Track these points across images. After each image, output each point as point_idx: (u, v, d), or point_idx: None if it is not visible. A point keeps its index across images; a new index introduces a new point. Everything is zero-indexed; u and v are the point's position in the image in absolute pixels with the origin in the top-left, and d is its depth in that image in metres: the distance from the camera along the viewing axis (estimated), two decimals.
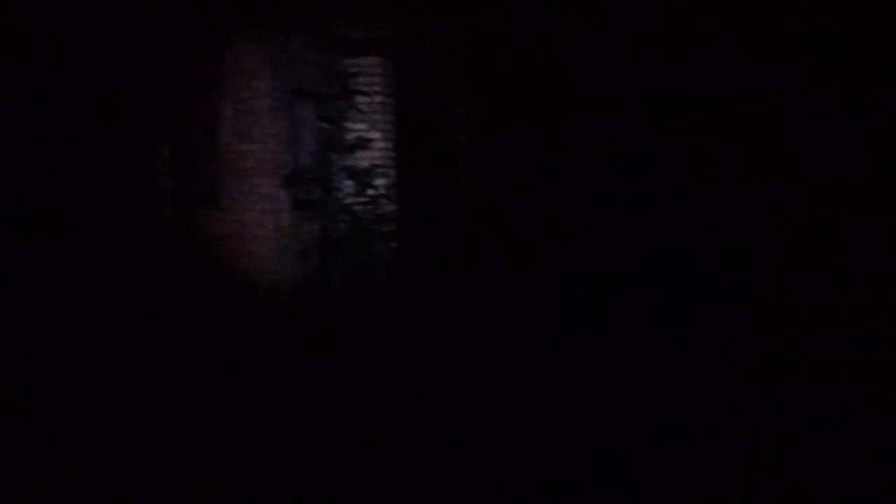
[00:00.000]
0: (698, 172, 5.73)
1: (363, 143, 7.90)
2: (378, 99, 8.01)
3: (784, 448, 3.54)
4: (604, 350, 5.36)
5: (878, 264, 4.61)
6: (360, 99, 7.91)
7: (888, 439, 3.64)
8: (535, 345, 5.51)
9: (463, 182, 9.03)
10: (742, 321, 5.35)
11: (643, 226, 6.20)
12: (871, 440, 3.63)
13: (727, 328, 5.40)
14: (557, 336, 5.75)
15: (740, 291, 5.44)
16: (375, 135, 8.02)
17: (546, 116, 7.08)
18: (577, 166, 6.82)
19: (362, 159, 7.96)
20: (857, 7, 4.72)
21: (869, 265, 4.66)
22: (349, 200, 7.81)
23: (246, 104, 6.83)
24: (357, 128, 7.98)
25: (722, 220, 5.63)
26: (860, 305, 4.70)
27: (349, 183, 7.85)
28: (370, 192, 7.81)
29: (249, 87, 6.82)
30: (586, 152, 6.70)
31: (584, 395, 4.31)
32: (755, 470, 3.27)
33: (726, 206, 5.58)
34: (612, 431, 3.71)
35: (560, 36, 6.51)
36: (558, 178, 7.05)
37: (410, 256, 8.17)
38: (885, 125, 4.61)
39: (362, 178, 7.80)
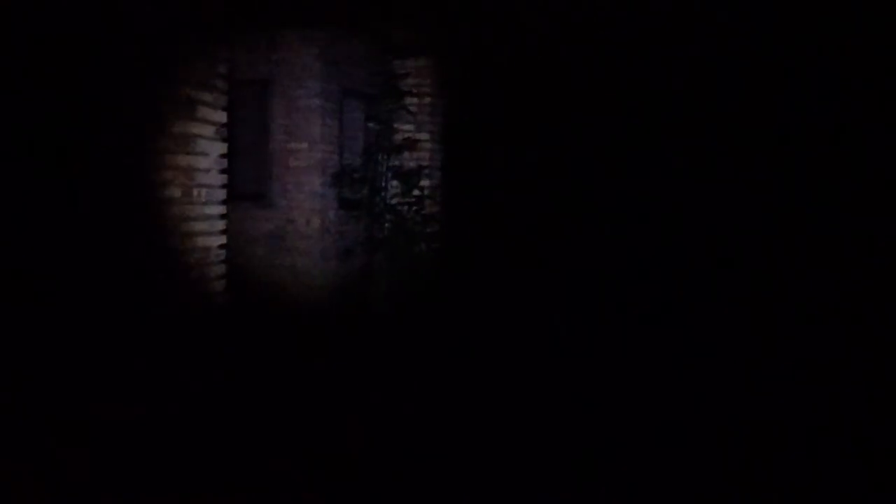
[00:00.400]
0: (698, 171, 5.65)
1: (410, 144, 7.96)
2: (426, 100, 8.06)
3: (783, 448, 3.50)
4: (610, 347, 5.34)
5: (878, 264, 4.50)
6: (409, 100, 7.97)
7: (887, 439, 3.57)
8: (565, 345, 5.49)
9: (501, 183, 9.01)
10: (741, 321, 5.26)
11: (667, 223, 6.11)
12: (871, 440, 3.57)
13: (726, 328, 5.31)
14: (586, 333, 5.73)
15: (739, 291, 5.35)
16: (423, 136, 8.08)
17: (564, 116, 7.03)
18: (591, 165, 6.77)
19: (409, 160, 8.02)
20: (856, 7, 4.61)
21: (869, 265, 4.56)
22: (395, 200, 7.88)
23: (296, 103, 6.97)
24: (405, 128, 8.05)
25: (721, 220, 5.55)
26: (860, 305, 4.59)
27: (395, 183, 7.92)
28: (416, 192, 7.87)
29: (300, 86, 6.95)
30: (600, 152, 6.65)
31: (590, 392, 4.29)
32: (754, 470, 3.23)
33: (725, 205, 5.49)
34: (613, 430, 3.69)
35: (576, 36, 6.44)
36: (579, 178, 7.00)
37: (453, 257, 8.20)
38: (884, 124, 4.50)
39: (408, 178, 7.86)
